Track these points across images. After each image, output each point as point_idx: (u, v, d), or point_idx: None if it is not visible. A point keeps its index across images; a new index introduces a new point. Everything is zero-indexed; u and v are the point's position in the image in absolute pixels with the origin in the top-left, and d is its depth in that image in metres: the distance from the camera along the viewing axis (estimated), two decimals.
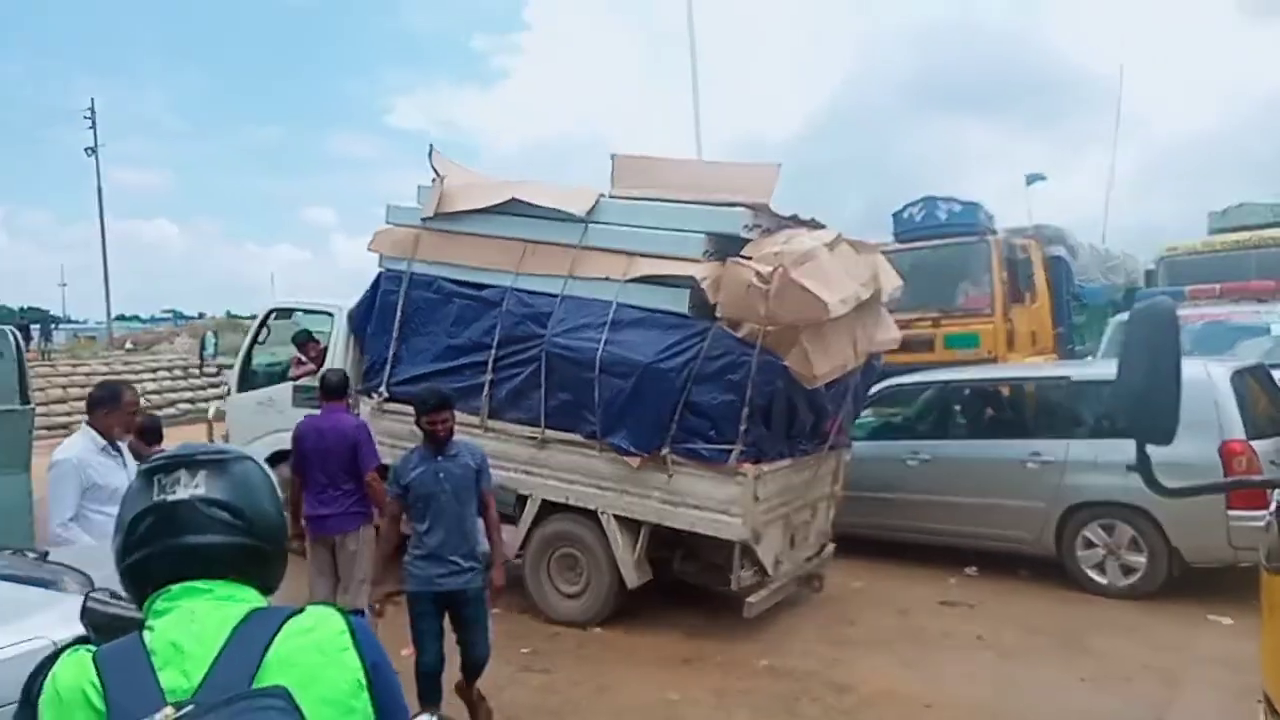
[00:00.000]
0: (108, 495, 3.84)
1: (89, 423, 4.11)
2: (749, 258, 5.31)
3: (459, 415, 6.08)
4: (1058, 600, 6.30)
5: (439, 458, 4.25)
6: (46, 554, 3.13)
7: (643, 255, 5.71)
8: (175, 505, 1.20)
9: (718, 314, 5.41)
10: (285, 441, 6.95)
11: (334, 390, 5.45)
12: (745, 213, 5.50)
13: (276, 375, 7.96)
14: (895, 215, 10.72)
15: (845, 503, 6.81)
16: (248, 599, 1.21)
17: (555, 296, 5.97)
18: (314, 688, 1.10)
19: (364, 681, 1.16)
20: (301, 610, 1.19)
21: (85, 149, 32.92)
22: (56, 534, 3.88)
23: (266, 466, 1.33)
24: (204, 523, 1.20)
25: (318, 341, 7.61)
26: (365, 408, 6.77)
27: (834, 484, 6.63)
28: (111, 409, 4.09)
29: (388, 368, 6.71)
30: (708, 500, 5.50)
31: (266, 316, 8.15)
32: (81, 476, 3.89)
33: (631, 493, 5.76)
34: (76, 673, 1.09)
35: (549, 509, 6.19)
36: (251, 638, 1.12)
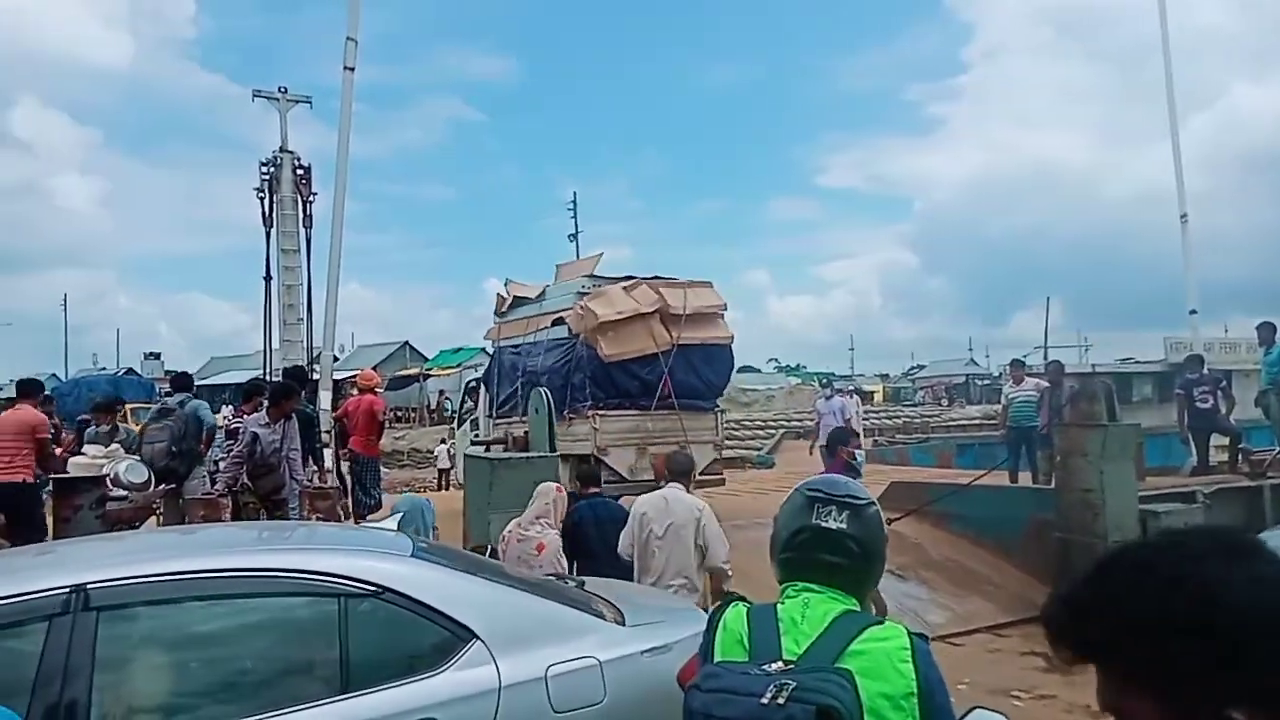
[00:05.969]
0: None
1: None
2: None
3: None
4: None
5: None
6: (583, 582, 3.47)
7: (556, 312, 10.74)
8: (825, 531, 1.76)
9: (575, 333, 10.17)
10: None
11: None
12: (585, 281, 10.40)
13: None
14: None
15: None
16: (845, 603, 1.72)
17: (532, 343, 11.17)
18: (876, 681, 1.57)
19: (914, 690, 1.59)
20: (881, 622, 1.70)
21: (567, 235, 38.09)
22: None
23: (881, 511, 1.89)
24: (838, 548, 1.75)
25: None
26: (490, 424, 12.44)
27: (713, 436, 10.54)
28: None
29: (495, 402, 12.36)
30: (581, 433, 10.05)
31: (468, 383, 14.56)
32: None
33: (564, 439, 10.49)
34: (735, 616, 1.75)
35: None
36: (842, 630, 1.63)
